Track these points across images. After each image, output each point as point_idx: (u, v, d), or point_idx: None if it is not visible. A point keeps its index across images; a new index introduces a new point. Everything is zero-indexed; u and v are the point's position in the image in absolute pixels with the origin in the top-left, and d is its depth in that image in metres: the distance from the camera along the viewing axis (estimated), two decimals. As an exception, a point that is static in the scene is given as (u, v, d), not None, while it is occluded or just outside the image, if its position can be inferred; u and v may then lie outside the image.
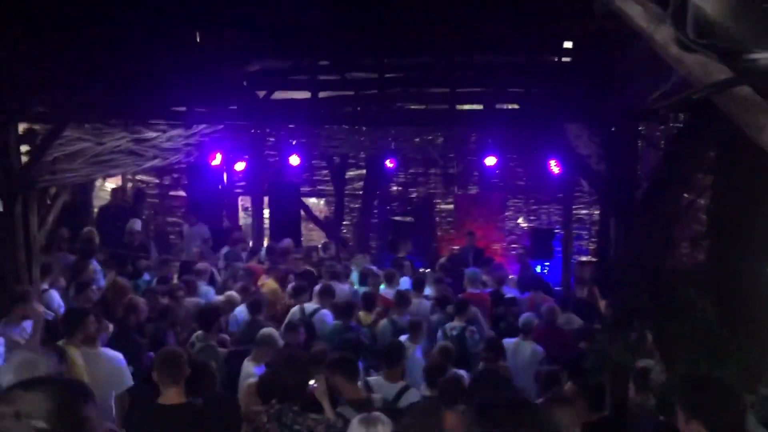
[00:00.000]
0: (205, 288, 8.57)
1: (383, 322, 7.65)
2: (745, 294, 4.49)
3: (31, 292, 6.38)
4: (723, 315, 4.25)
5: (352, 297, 8.26)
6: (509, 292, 9.55)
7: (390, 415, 4.48)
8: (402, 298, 7.93)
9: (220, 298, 8.14)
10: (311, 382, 4.49)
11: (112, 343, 5.96)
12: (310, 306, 7.80)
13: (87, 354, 5.34)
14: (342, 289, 8.61)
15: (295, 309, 7.75)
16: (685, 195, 5.16)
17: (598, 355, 4.84)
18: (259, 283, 8.94)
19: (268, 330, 6.28)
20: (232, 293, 8.13)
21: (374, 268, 9.81)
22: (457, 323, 7.37)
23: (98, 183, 12.10)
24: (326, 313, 7.62)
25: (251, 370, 5.78)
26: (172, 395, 4.14)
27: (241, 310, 7.64)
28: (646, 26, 2.18)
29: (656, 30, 2.11)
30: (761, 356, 4.38)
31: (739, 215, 4.68)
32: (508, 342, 7.00)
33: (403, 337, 6.98)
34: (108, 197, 12.25)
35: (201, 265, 9.16)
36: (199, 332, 6.47)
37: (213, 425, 3.91)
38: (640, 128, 6.09)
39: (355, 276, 9.78)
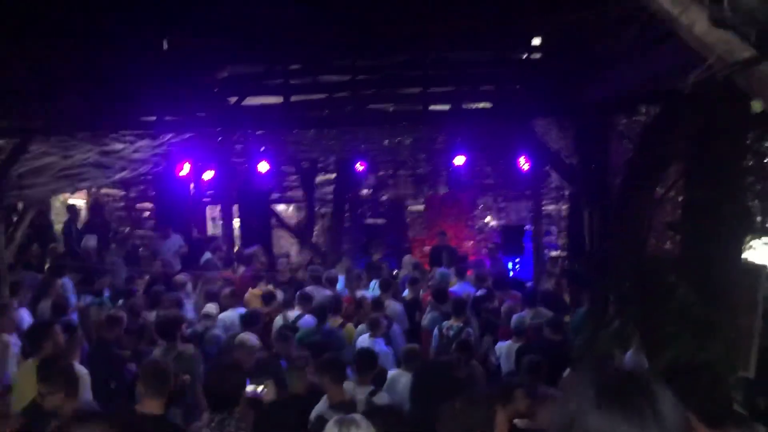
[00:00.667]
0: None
1: (360, 326, 7.65)
2: (721, 279, 4.59)
3: (8, 306, 6.26)
4: (703, 300, 4.34)
5: (330, 300, 8.17)
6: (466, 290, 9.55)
7: (371, 415, 4.51)
8: (377, 304, 7.95)
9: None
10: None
11: (91, 357, 5.85)
12: (292, 314, 7.74)
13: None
14: (323, 293, 8.58)
15: (278, 318, 7.67)
16: (660, 185, 5.25)
17: (584, 345, 4.91)
18: (248, 292, 8.87)
19: (244, 335, 6.23)
20: (211, 305, 8.03)
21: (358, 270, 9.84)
22: (453, 322, 7.37)
23: (61, 198, 11.89)
24: (309, 319, 7.58)
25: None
26: (152, 405, 4.10)
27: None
28: (672, 8, 2.22)
29: (683, 11, 2.15)
30: (740, 339, 4.49)
31: (711, 202, 4.79)
32: (501, 345, 7.00)
33: (364, 335, 7.09)
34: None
35: (179, 278, 9.01)
36: (162, 344, 6.35)
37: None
38: (613, 121, 6.18)
39: (342, 280, 9.73)
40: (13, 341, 6.32)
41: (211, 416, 3.99)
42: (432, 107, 6.31)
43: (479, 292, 9.02)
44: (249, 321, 7.20)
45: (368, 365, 5.58)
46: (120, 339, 6.53)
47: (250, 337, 6.18)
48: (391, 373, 6.08)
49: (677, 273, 4.39)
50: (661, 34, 3.50)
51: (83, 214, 13.05)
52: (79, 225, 11.78)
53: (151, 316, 7.61)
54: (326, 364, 4.96)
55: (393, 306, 8.30)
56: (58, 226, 11.90)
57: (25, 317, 7.30)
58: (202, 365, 6.03)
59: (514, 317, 7.42)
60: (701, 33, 2.12)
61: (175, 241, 11.59)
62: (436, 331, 7.42)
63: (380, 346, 6.84)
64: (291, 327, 7.31)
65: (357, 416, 3.14)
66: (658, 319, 4.32)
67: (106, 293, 9.26)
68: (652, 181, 4.99)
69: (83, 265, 9.47)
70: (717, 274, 4.59)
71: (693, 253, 4.74)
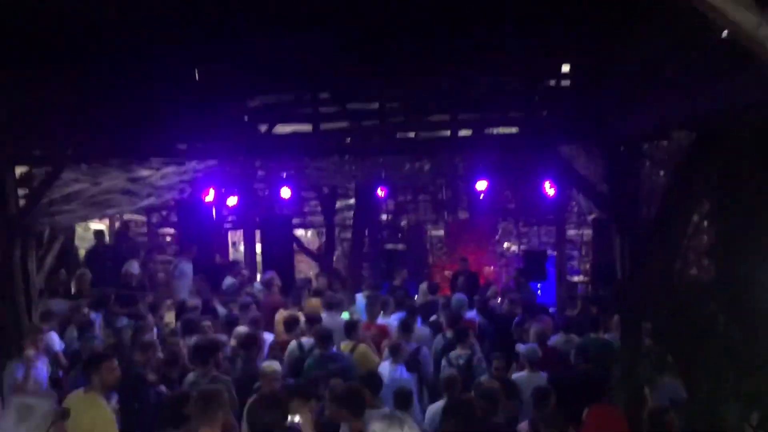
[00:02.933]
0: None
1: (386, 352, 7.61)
2: (760, 307, 4.54)
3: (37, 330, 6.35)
4: (743, 327, 4.29)
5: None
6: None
7: None
8: (406, 326, 7.91)
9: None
10: (295, 419, 4.39)
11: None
12: (307, 341, 7.61)
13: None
14: (337, 320, 8.54)
15: (293, 345, 7.55)
16: (696, 213, 5.23)
17: (624, 374, 4.85)
18: (278, 314, 8.87)
19: (271, 363, 6.19)
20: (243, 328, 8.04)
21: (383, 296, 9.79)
22: (461, 351, 7.31)
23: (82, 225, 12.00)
24: None
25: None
26: None
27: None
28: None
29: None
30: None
31: (745, 228, 4.76)
32: (517, 376, 6.90)
33: (386, 361, 7.02)
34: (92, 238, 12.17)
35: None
36: (196, 371, 6.34)
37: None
38: (643, 148, 6.17)
39: (361, 304, 9.68)
40: (40, 365, 6.36)
41: None
42: (460, 133, 6.33)
43: (517, 319, 8.98)
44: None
45: (404, 403, 5.54)
46: (149, 362, 6.55)
47: (273, 364, 6.14)
48: (436, 405, 5.99)
49: (716, 302, 4.34)
50: (702, 72, 3.52)
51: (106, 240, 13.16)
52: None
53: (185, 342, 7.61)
54: (345, 395, 4.82)
55: (420, 330, 8.27)
56: (82, 251, 12.02)
57: (56, 340, 7.36)
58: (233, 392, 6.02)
59: (525, 347, 7.21)
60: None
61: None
62: (444, 361, 7.35)
63: (401, 372, 6.79)
64: (305, 357, 7.23)
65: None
66: (697, 348, 4.27)
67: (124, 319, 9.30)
68: (686, 210, 4.97)
69: (124, 291, 9.54)
70: (754, 302, 4.54)
71: (728, 282, 4.70)
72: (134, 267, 10.40)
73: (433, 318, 9.12)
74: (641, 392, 5.48)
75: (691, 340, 4.27)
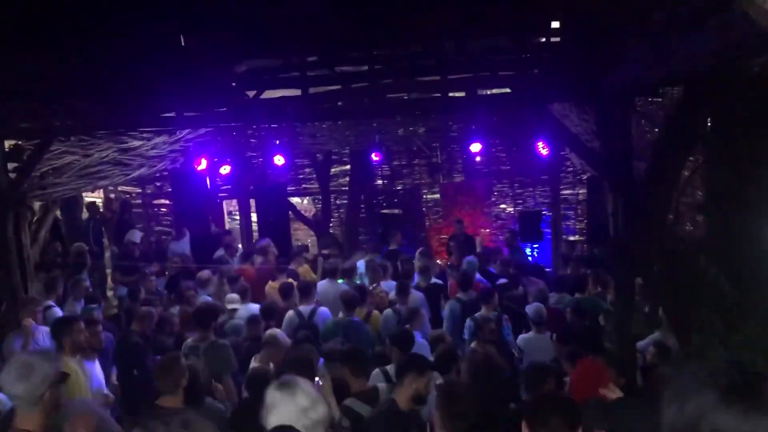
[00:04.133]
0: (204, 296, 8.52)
1: (387, 311, 7.68)
2: (750, 259, 4.56)
3: (33, 301, 6.39)
4: (732, 280, 4.31)
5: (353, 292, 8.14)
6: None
7: None
8: (403, 289, 7.98)
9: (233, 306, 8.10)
10: (316, 379, 4.45)
11: (117, 346, 5.96)
12: (305, 308, 7.70)
13: (82, 365, 5.35)
14: (338, 287, 8.61)
15: (291, 313, 7.61)
16: (687, 168, 5.21)
17: (617, 329, 4.89)
18: (267, 285, 8.91)
19: (274, 330, 6.25)
20: (233, 295, 8.12)
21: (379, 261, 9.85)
22: (485, 312, 7.33)
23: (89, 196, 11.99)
24: (323, 311, 7.58)
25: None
26: (169, 400, 4.18)
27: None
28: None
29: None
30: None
31: (735, 182, 4.75)
32: (523, 338, 6.95)
33: None
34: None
35: (203, 274, 9.06)
36: (195, 334, 6.40)
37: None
38: (634, 104, 6.13)
39: (362, 268, 9.73)
40: (41, 336, 6.38)
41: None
42: (452, 94, 6.27)
43: (502, 281, 9.03)
44: (267, 314, 7.22)
45: (405, 346, 5.67)
46: (145, 332, 6.62)
47: (279, 333, 6.19)
48: None
49: (707, 255, 4.35)
50: (686, 19, 3.46)
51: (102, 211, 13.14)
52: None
53: (176, 310, 7.68)
54: (346, 355, 5.05)
55: (414, 294, 8.33)
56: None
57: (59, 312, 7.40)
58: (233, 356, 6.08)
59: (533, 307, 7.28)
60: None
61: (187, 240, 11.64)
62: (469, 321, 7.36)
63: (417, 338, 6.83)
64: (308, 325, 7.29)
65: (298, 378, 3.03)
66: (688, 302, 4.30)
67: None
68: (678, 163, 4.95)
69: (126, 260, 9.57)
70: (745, 252, 4.56)
71: (719, 234, 4.71)
72: (136, 236, 10.39)
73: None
74: (634, 347, 5.54)
75: (682, 293, 4.30)
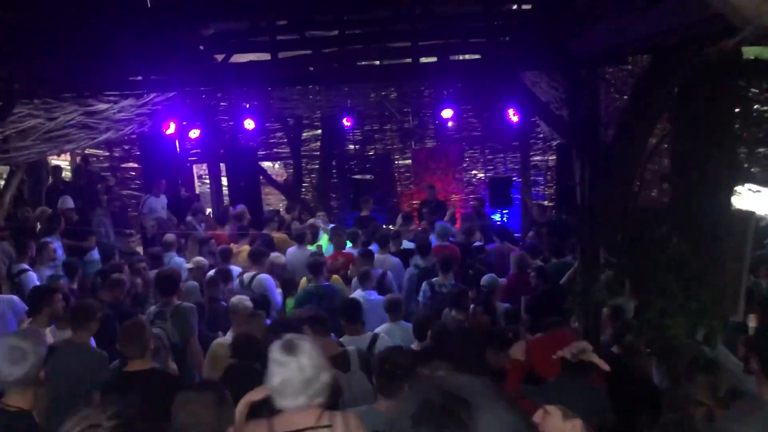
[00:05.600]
0: (177, 259, 8.47)
1: (354, 280, 7.76)
2: (711, 227, 4.68)
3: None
4: (693, 249, 4.42)
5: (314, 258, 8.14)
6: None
7: (366, 364, 4.61)
8: (367, 255, 8.05)
9: (189, 265, 8.12)
10: None
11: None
12: (248, 275, 7.71)
13: (58, 336, 5.35)
14: (305, 253, 8.68)
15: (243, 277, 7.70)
16: (652, 136, 5.28)
17: (576, 295, 5.01)
18: (236, 250, 8.90)
19: (240, 297, 6.23)
20: (200, 259, 8.12)
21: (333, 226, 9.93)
22: (442, 279, 7.43)
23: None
24: (264, 278, 7.57)
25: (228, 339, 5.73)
26: (137, 364, 4.22)
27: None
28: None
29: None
30: (730, 285, 4.61)
31: (699, 151, 4.84)
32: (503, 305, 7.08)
33: (358, 290, 7.20)
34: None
35: (168, 237, 9.02)
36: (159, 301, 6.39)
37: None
38: (603, 72, 6.17)
39: (324, 237, 9.78)
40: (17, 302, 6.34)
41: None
42: (422, 60, 6.24)
43: (476, 244, 9.15)
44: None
45: (354, 315, 5.69)
46: (116, 300, 6.58)
47: (243, 300, 6.15)
48: (383, 327, 6.14)
49: (670, 223, 4.45)
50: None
51: (67, 175, 12.95)
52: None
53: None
54: (307, 318, 5.09)
55: (389, 259, 8.40)
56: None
57: (33, 278, 7.35)
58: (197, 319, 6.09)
59: (483, 279, 7.53)
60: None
61: (163, 200, 11.55)
62: (425, 286, 7.48)
63: (374, 296, 6.96)
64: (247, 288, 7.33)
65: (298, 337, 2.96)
66: (650, 269, 4.40)
67: (95, 254, 9.30)
68: (644, 132, 5.02)
69: (66, 227, 9.43)
70: (707, 222, 4.68)
71: (682, 203, 4.81)
72: (68, 202, 10.21)
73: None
74: (598, 313, 5.68)
75: (643, 260, 4.40)
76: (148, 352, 4.26)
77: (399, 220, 11.11)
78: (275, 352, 2.74)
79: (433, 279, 7.45)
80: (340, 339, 5.57)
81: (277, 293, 7.48)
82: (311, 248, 9.20)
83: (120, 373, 4.35)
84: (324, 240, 9.64)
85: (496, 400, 1.39)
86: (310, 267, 7.43)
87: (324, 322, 5.08)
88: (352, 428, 2.69)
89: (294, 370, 2.67)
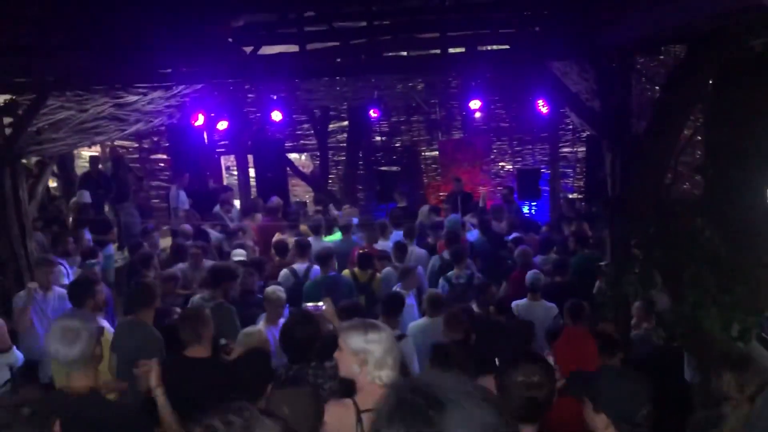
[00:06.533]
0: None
1: (386, 269, 7.73)
2: (746, 220, 4.59)
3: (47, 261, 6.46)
4: (727, 241, 4.34)
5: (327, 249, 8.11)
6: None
7: None
8: (400, 249, 8.04)
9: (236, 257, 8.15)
10: (319, 303, 4.55)
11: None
12: (300, 267, 7.72)
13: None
14: (322, 244, 8.66)
15: (286, 271, 7.67)
16: (686, 127, 5.19)
17: (608, 288, 4.94)
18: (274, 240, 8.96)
19: (274, 287, 6.22)
20: (242, 251, 8.17)
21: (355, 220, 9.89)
22: (458, 271, 7.39)
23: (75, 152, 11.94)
24: (317, 269, 7.57)
25: (261, 327, 5.75)
26: (197, 350, 4.20)
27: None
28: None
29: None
30: (764, 280, 4.51)
31: (734, 143, 4.74)
32: (518, 303, 6.93)
33: (397, 285, 7.11)
34: (87, 166, 12.12)
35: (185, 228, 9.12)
36: (205, 293, 6.45)
37: (241, 379, 3.89)
38: (635, 62, 6.06)
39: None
40: (53, 296, 6.42)
41: (289, 365, 4.12)
42: (452, 50, 6.19)
43: (513, 236, 9.09)
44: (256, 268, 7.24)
45: (395, 309, 5.67)
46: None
47: (277, 290, 6.16)
48: (418, 321, 6.11)
49: (703, 216, 4.37)
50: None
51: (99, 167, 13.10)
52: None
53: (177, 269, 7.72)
54: (343, 310, 5.03)
55: (417, 252, 8.38)
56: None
57: (65, 269, 7.46)
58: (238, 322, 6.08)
59: (529, 274, 7.15)
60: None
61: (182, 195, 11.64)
62: (442, 281, 7.45)
63: (410, 299, 6.85)
64: (303, 284, 7.31)
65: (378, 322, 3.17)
66: (682, 262, 4.33)
67: (110, 249, 9.39)
68: (677, 123, 4.93)
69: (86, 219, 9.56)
70: (741, 215, 4.58)
71: (716, 196, 4.72)
72: (86, 197, 10.33)
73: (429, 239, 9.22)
74: (628, 307, 5.61)
75: (677, 253, 4.33)
76: (204, 339, 4.25)
77: (424, 211, 11.08)
78: (362, 329, 2.99)
79: (449, 273, 7.42)
80: None
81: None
82: (328, 239, 9.21)
83: (180, 357, 4.32)
84: (337, 234, 9.58)
85: (477, 400, 1.37)
86: (319, 258, 7.40)
87: (356, 312, 5.10)
88: None
89: (388, 341, 2.95)
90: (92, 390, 2.99)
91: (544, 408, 2.53)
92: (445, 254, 8.17)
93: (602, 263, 6.17)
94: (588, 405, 2.49)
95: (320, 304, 4.53)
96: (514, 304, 6.90)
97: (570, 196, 13.55)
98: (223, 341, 4.71)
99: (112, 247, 9.39)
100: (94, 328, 3.05)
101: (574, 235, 9.06)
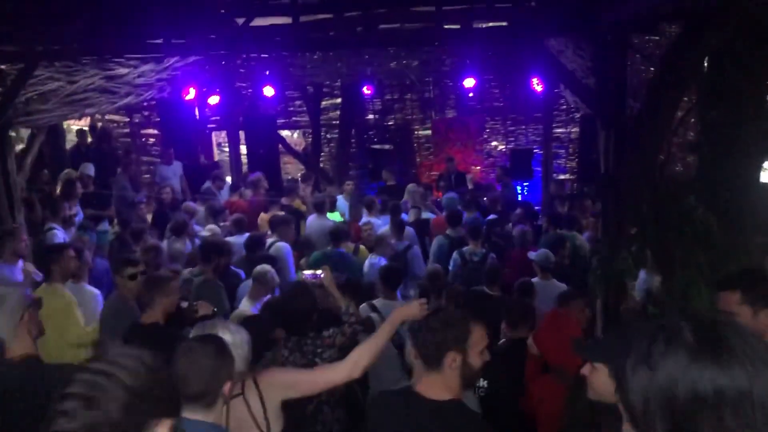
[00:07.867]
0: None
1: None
2: (738, 200, 4.58)
3: (20, 229, 6.33)
4: (720, 220, 4.34)
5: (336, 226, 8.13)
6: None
7: None
8: (397, 225, 8.05)
9: (204, 232, 8.14)
10: (318, 272, 4.56)
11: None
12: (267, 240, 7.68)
13: (72, 288, 5.41)
14: (325, 222, 8.66)
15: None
16: (680, 107, 5.16)
17: (602, 267, 4.94)
18: (260, 218, 8.92)
19: (264, 266, 6.21)
20: (214, 227, 8.15)
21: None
22: (473, 248, 7.39)
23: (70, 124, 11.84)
24: (282, 245, 7.51)
25: (247, 307, 5.74)
26: (149, 316, 4.24)
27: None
28: None
29: None
30: (756, 259, 4.52)
31: (728, 123, 4.73)
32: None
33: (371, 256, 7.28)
34: (74, 139, 12.01)
35: (188, 206, 9.05)
36: (194, 268, 6.43)
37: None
38: (631, 40, 6.01)
39: (342, 205, 9.77)
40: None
41: (287, 337, 4.14)
42: (447, 26, 6.12)
43: (490, 216, 9.07)
44: (253, 245, 7.22)
45: (392, 282, 5.71)
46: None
47: (269, 271, 6.12)
48: None
49: (697, 195, 4.36)
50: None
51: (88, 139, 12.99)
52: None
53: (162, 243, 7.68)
54: (346, 285, 5.15)
55: (407, 230, 8.38)
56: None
57: (60, 236, 7.42)
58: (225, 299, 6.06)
59: (540, 254, 6.94)
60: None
61: (177, 168, 11.55)
62: (455, 255, 7.43)
63: (382, 262, 6.99)
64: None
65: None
66: (674, 240, 4.33)
67: (106, 224, 9.33)
68: (672, 102, 4.90)
69: (85, 192, 9.49)
70: (734, 194, 4.58)
71: (710, 174, 4.71)
72: (90, 169, 10.26)
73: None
74: (621, 285, 5.60)
75: (669, 232, 4.32)
76: (159, 306, 4.26)
77: (410, 189, 11.03)
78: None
79: (464, 248, 7.42)
80: (373, 301, 5.64)
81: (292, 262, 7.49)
82: (331, 217, 9.20)
83: (136, 323, 4.35)
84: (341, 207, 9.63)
85: None
86: (332, 234, 7.44)
87: (355, 288, 5.17)
88: None
89: None
90: (29, 357, 2.96)
91: None
92: (450, 232, 8.18)
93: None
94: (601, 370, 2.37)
95: (319, 272, 4.52)
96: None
97: (560, 177, 13.55)
98: (184, 304, 4.64)
99: (107, 224, 9.32)
100: (20, 295, 3.02)
101: (547, 216, 9.09)
